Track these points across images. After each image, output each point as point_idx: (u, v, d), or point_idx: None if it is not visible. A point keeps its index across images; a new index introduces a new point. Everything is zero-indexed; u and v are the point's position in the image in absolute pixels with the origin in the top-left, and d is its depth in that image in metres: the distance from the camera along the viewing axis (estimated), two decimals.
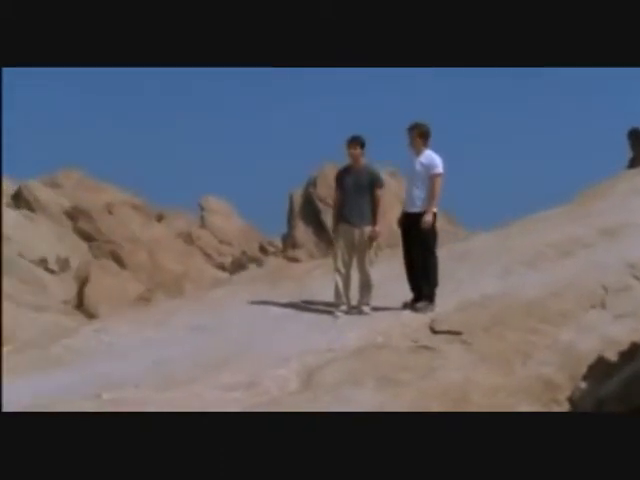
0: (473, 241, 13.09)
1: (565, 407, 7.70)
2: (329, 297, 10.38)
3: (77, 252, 39.08)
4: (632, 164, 19.01)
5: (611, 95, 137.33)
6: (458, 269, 11.33)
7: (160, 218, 45.75)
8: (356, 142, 10.35)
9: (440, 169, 10.25)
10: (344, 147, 10.42)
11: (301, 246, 46.57)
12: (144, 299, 34.32)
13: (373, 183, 10.36)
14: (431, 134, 10.37)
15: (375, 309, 10.24)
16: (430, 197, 10.17)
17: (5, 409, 7.03)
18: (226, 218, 48.86)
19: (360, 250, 10.29)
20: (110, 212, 42.14)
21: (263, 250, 48.06)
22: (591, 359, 7.98)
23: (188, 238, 44.81)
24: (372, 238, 10.28)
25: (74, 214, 41.49)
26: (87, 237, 40.72)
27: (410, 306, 10.20)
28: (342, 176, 10.49)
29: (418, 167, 10.28)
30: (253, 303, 10.78)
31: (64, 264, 37.73)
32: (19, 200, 41.23)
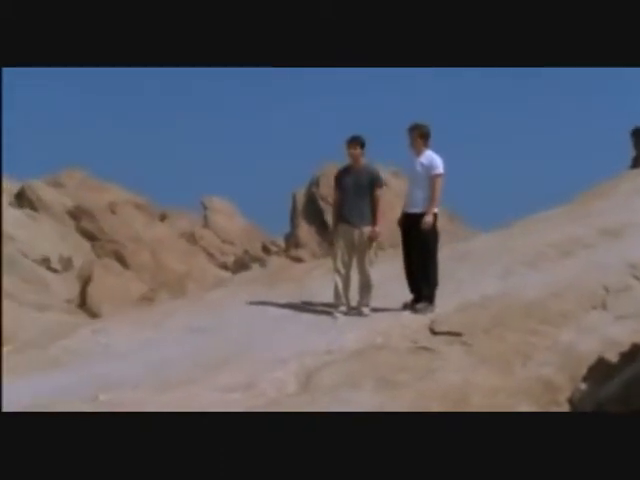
0: (474, 241, 13.08)
1: (565, 408, 7.66)
2: (328, 298, 10.37)
3: (80, 251, 39.12)
4: (635, 163, 19.02)
5: (611, 95, 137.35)
6: (458, 269, 11.31)
7: (163, 218, 45.80)
8: (356, 142, 10.33)
9: (441, 170, 10.23)
10: (344, 147, 10.40)
11: (304, 246, 46.59)
12: (147, 299, 34.37)
13: (373, 183, 10.33)
14: (431, 134, 10.37)
15: (375, 310, 10.21)
16: (431, 198, 10.14)
17: (4, 409, 7.03)
18: (229, 218, 48.89)
19: (360, 250, 10.27)
20: (113, 212, 42.18)
21: (266, 250, 48.08)
22: (591, 360, 7.92)
23: (191, 238, 44.85)
24: (372, 238, 10.25)
25: (77, 213, 41.53)
26: (90, 236, 40.76)
27: (410, 307, 10.17)
28: (342, 176, 10.48)
29: (418, 168, 10.26)
30: (252, 304, 10.76)
31: (67, 263, 37.77)
32: (22, 199, 41.28)
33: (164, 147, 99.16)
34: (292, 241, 47.89)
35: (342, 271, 10.28)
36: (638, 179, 15.16)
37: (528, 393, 8.06)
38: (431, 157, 10.27)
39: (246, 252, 45.71)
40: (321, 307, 10.47)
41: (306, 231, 47.48)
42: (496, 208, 59.21)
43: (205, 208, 48.87)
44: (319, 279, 11.38)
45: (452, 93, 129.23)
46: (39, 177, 43.75)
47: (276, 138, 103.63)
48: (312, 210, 47.47)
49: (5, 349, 9.88)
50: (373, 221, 10.24)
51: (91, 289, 35.60)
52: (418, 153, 10.30)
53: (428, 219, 10.09)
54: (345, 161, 10.58)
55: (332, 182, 10.89)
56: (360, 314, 10.23)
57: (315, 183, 47.93)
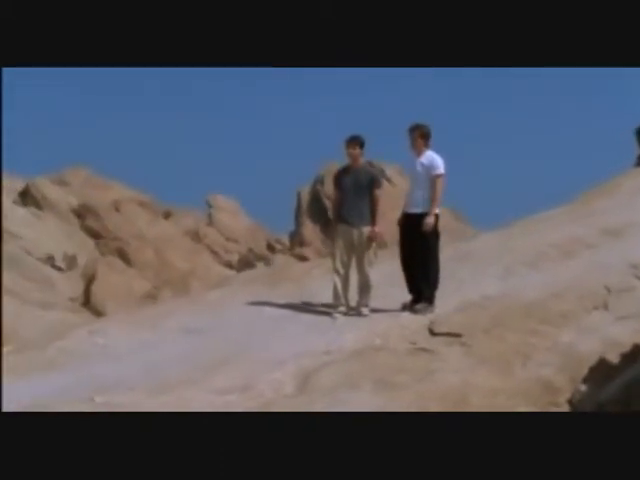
0: (475, 241, 13.04)
1: (564, 410, 7.62)
2: (328, 298, 10.34)
3: (84, 250, 39.12)
4: (639, 161, 18.93)
5: (611, 95, 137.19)
6: (459, 269, 11.26)
7: (167, 215, 45.78)
8: (355, 142, 10.30)
9: (441, 170, 10.20)
10: (343, 147, 10.35)
11: (309, 244, 46.57)
12: (151, 297, 34.40)
13: (372, 183, 10.30)
14: (432, 135, 10.35)
15: (374, 310, 10.18)
16: (432, 198, 10.11)
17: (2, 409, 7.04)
18: (233, 216, 48.87)
19: (359, 251, 10.23)
20: (117, 209, 42.18)
21: (270, 248, 48.06)
22: (592, 361, 7.89)
23: (195, 236, 44.83)
24: (371, 238, 10.22)
25: (81, 212, 41.53)
26: (94, 234, 40.75)
27: (409, 307, 10.14)
28: (341, 176, 10.44)
29: (419, 168, 10.24)
30: (251, 304, 10.73)
31: (71, 262, 37.78)
32: (26, 198, 41.29)
33: (167, 146, 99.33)
34: (297, 239, 47.88)
35: (341, 271, 10.25)
36: None
37: (527, 394, 8.01)
38: (432, 157, 10.25)
39: (250, 250, 45.69)
40: (320, 307, 10.44)
41: (311, 229, 47.47)
42: (497, 208, 59.31)
43: (209, 206, 48.85)
44: (319, 279, 11.35)
45: (452, 93, 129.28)
46: (43, 175, 43.75)
47: (277, 138, 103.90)
48: (317, 208, 47.46)
49: (5, 349, 9.87)
50: (372, 221, 10.20)
51: (95, 287, 35.63)
52: (419, 153, 10.27)
53: (429, 220, 10.05)
54: (345, 161, 10.56)
55: None
56: (359, 314, 10.20)
57: (320, 181, 47.90)
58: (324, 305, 10.42)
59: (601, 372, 7.54)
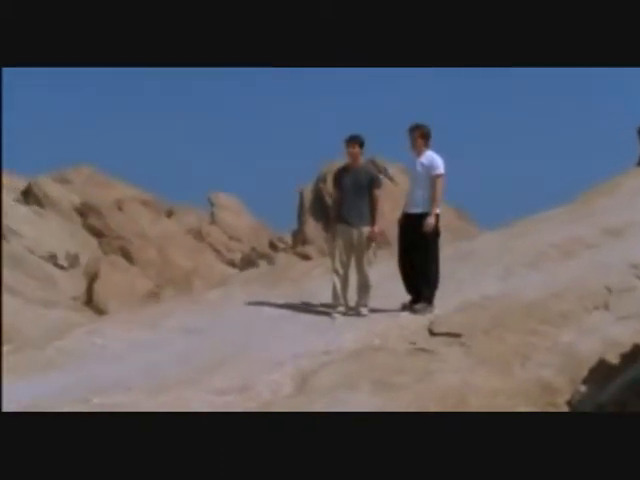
0: (476, 241, 13.02)
1: (564, 411, 7.62)
2: (327, 298, 10.31)
3: (87, 248, 39.13)
4: None
5: (611, 95, 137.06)
6: (459, 269, 11.24)
7: (170, 214, 45.78)
8: (355, 141, 10.27)
9: (441, 170, 10.18)
10: (343, 146, 10.33)
11: (311, 242, 46.52)
12: (153, 295, 34.41)
13: (372, 183, 10.28)
14: (432, 135, 10.34)
15: (373, 310, 10.15)
16: (432, 199, 10.09)
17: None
18: (236, 214, 48.85)
19: (359, 251, 10.20)
20: (120, 208, 42.18)
21: (273, 246, 48.03)
22: (592, 361, 7.87)
23: (198, 234, 44.81)
24: (371, 238, 10.19)
25: (84, 210, 41.54)
26: (97, 233, 40.77)
27: (409, 307, 10.13)
28: (340, 176, 10.41)
29: (419, 168, 10.22)
30: (250, 304, 10.71)
31: (74, 260, 37.80)
32: (29, 196, 41.31)
33: (169, 146, 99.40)
34: (299, 237, 47.83)
35: (340, 271, 10.22)
36: None
37: (527, 395, 7.98)
38: (432, 157, 10.23)
39: (253, 249, 45.67)
40: (319, 307, 10.42)
41: (313, 227, 47.42)
42: (497, 208, 59.25)
43: (212, 205, 48.84)
44: (318, 279, 11.32)
45: (452, 93, 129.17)
46: (46, 174, 43.75)
47: (278, 138, 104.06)
48: (319, 206, 47.40)
49: (5, 349, 9.86)
50: (372, 221, 10.17)
51: (97, 286, 35.62)
52: (419, 153, 10.26)
53: (430, 221, 10.03)
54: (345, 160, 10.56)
55: None
56: (358, 314, 10.17)
57: (322, 179, 47.85)
58: (323, 305, 10.40)
59: (601, 373, 7.52)
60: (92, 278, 36.13)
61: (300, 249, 45.65)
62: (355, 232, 10.19)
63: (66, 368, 8.89)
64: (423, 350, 8.94)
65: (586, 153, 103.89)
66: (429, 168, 10.16)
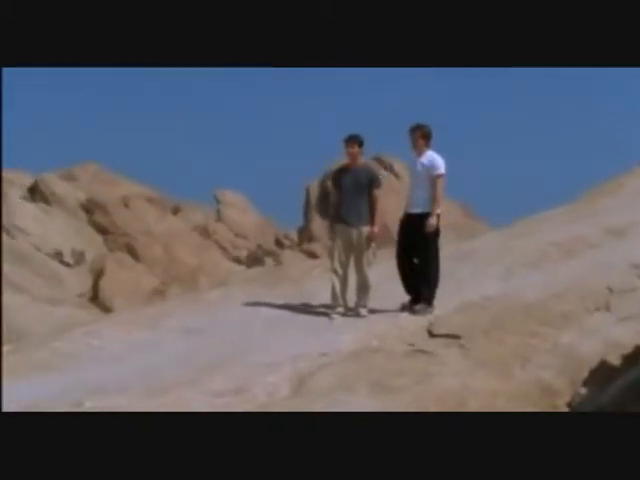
0: (476, 241, 12.98)
1: None
2: (327, 298, 10.27)
3: (92, 245, 39.17)
4: None
5: (611, 95, 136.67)
6: (460, 269, 11.20)
7: (176, 211, 45.77)
8: (354, 141, 10.23)
9: (442, 170, 10.14)
10: (342, 145, 10.30)
11: (317, 239, 46.47)
12: (159, 292, 34.45)
13: (371, 183, 10.24)
14: (433, 135, 10.32)
15: (372, 311, 10.11)
16: (433, 199, 10.05)
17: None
18: (242, 212, 48.80)
19: (358, 251, 10.16)
20: (126, 205, 42.20)
21: (279, 244, 48.00)
22: (593, 363, 7.83)
23: (204, 232, 44.81)
24: (370, 238, 10.15)
25: (90, 207, 41.56)
26: (103, 230, 40.79)
27: (408, 308, 10.10)
28: (340, 176, 10.38)
29: (419, 168, 10.21)
30: (248, 305, 10.67)
31: (79, 257, 37.85)
32: (35, 193, 41.36)
33: (173, 144, 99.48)
34: (305, 235, 47.77)
35: (339, 272, 10.17)
36: None
37: (527, 397, 7.92)
38: (432, 157, 10.20)
39: (259, 246, 45.65)
40: (318, 308, 10.38)
41: (319, 225, 47.36)
42: (497, 208, 59.14)
43: (218, 202, 48.81)
44: (318, 279, 11.28)
45: (452, 93, 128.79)
46: (52, 171, 43.81)
47: (278, 138, 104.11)
48: (326, 204, 47.36)
49: (5, 348, 9.86)
50: (371, 221, 10.13)
51: (103, 283, 35.69)
52: (419, 153, 10.24)
53: (432, 221, 9.99)
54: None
55: None
56: (357, 315, 10.13)
57: (328, 176, 47.80)
58: (322, 306, 10.36)
59: (602, 374, 7.48)
60: (98, 275, 36.20)
61: (306, 246, 45.59)
62: (354, 232, 10.14)
63: (62, 370, 8.86)
64: (422, 352, 8.89)
65: (586, 153, 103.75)
66: (430, 168, 10.13)
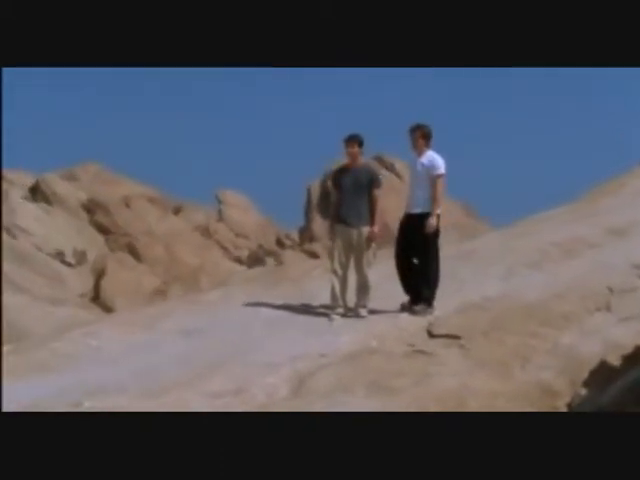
0: (477, 241, 12.98)
1: None
2: (327, 299, 10.25)
3: (94, 245, 39.21)
4: None
5: (611, 95, 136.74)
6: (460, 269, 11.18)
7: (177, 211, 45.81)
8: (354, 140, 10.20)
9: (442, 170, 10.12)
10: (342, 145, 10.27)
11: (318, 239, 46.48)
12: (160, 292, 34.49)
13: (371, 183, 10.22)
14: (433, 135, 10.31)
15: (372, 311, 10.09)
16: (433, 199, 10.04)
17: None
18: (243, 212, 48.83)
19: (358, 251, 10.14)
20: (127, 205, 42.24)
21: (280, 244, 48.02)
22: (593, 364, 7.81)
23: (205, 231, 44.84)
24: (370, 239, 10.13)
25: (91, 207, 41.60)
26: (104, 230, 40.83)
27: (408, 308, 10.08)
28: (340, 176, 10.36)
29: (419, 168, 10.20)
30: (248, 305, 10.66)
31: (81, 257, 37.88)
32: (36, 193, 41.39)
33: (174, 145, 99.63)
34: (306, 235, 47.79)
35: (339, 272, 10.15)
36: None
37: (527, 398, 7.91)
38: (432, 157, 10.18)
39: (260, 246, 45.67)
40: (318, 309, 10.36)
41: (320, 225, 47.38)
42: (497, 208, 59.15)
43: (219, 202, 48.85)
44: (318, 279, 11.27)
45: (452, 93, 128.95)
46: (53, 171, 43.84)
47: (278, 138, 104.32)
48: (326, 204, 47.39)
49: (5, 349, 9.87)
50: (371, 221, 10.11)
51: (105, 283, 35.73)
52: (419, 153, 10.23)
53: (432, 222, 9.97)
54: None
55: None
56: (357, 316, 10.11)
57: (328, 176, 47.81)
58: (322, 306, 10.34)
59: (602, 375, 7.46)
60: (99, 275, 36.25)
61: (307, 246, 45.61)
62: (354, 232, 10.12)
63: (61, 370, 8.85)
64: (422, 352, 8.88)
65: (587, 153, 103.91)
66: (430, 168, 10.12)
